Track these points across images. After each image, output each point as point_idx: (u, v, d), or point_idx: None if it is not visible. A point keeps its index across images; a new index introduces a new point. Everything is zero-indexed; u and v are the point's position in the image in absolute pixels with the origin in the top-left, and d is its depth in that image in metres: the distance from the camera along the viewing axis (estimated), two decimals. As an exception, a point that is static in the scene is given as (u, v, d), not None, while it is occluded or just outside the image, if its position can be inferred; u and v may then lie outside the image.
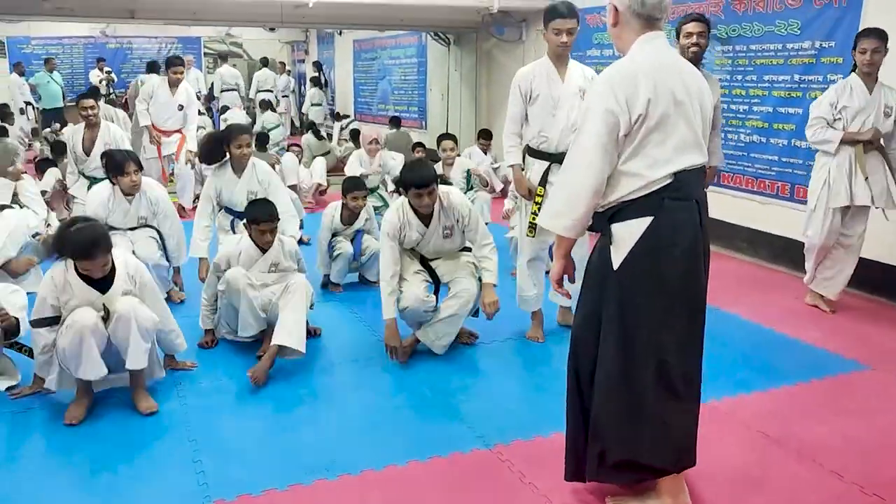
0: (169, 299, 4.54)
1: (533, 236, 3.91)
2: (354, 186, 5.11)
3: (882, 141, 4.38)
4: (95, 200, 4.43)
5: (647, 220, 2.18)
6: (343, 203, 5.08)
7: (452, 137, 6.55)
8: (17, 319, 3.31)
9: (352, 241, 5.08)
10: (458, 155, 6.54)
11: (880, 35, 4.25)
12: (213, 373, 3.71)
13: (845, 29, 5.02)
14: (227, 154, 4.55)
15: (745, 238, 6.03)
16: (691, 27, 4.02)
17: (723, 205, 6.04)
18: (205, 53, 15.64)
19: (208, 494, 2.65)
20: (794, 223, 5.30)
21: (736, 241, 6.10)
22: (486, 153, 7.93)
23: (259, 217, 3.84)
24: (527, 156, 3.93)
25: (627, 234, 2.21)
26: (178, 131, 7.21)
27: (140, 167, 4.44)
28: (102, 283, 3.18)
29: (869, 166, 4.36)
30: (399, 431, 3.14)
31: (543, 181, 3.81)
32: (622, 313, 2.25)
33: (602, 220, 2.28)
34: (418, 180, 3.68)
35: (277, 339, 3.57)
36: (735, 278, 5.44)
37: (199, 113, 8.57)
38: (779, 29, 5.56)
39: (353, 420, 3.24)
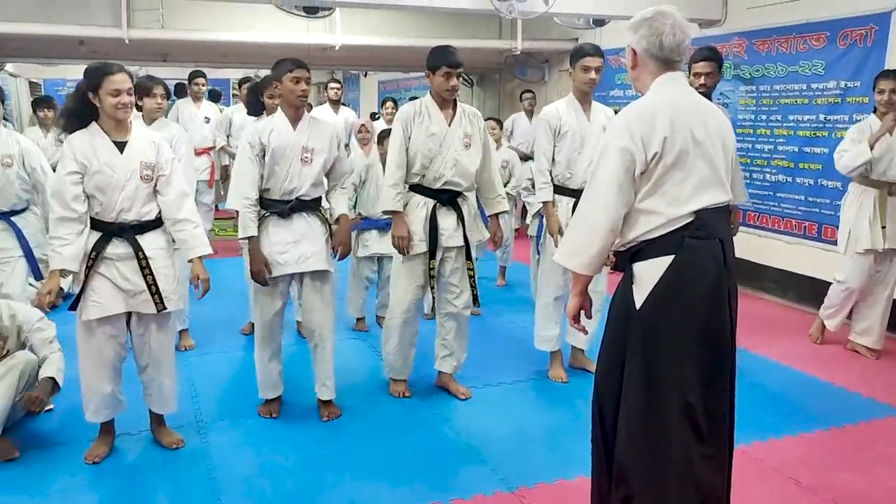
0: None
1: None
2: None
3: None
4: None
5: (669, 259, 2.14)
6: (381, 153, 4.94)
7: (497, 119, 6.44)
8: (46, 398, 3.20)
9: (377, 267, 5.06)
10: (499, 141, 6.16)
11: None
12: (234, 410, 3.70)
13: (870, 69, 4.99)
14: (265, 105, 4.51)
15: (773, 279, 5.94)
16: (700, 67, 4.03)
17: (750, 245, 5.97)
18: (233, 94, 15.99)
19: (227, 535, 2.63)
20: (822, 263, 5.22)
21: (763, 282, 6.01)
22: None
23: (289, 63, 3.38)
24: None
25: (649, 273, 2.18)
26: (208, 151, 7.23)
27: None
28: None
29: (892, 212, 4.35)
30: (420, 473, 3.10)
31: None
32: (645, 353, 2.21)
33: (623, 260, 2.27)
34: (450, 58, 3.51)
35: (323, 396, 3.64)
36: (763, 319, 5.34)
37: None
38: (803, 69, 5.55)
39: (374, 460, 3.20)
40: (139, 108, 4.46)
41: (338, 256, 3.61)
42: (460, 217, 3.70)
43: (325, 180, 3.57)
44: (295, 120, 3.45)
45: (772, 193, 5.92)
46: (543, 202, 3.91)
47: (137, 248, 3.00)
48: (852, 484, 3.01)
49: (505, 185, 6.06)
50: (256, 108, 4.71)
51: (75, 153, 2.92)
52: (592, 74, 3.77)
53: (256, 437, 3.42)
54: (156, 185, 3.05)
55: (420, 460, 3.21)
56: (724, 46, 6.15)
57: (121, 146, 2.98)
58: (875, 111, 4.41)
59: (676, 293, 2.16)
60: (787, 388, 4.04)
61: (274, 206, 3.45)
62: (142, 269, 3.01)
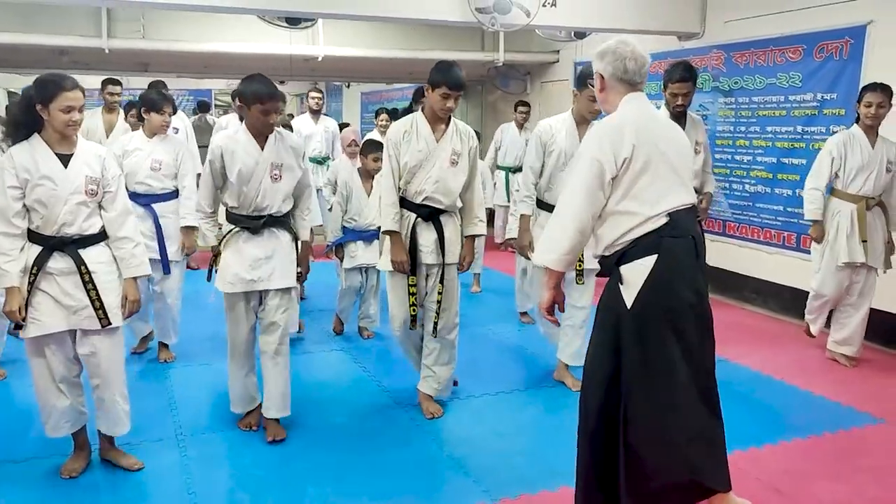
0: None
1: (582, 283, 3.99)
2: (376, 148, 4.89)
3: (882, 196, 4.44)
4: None
5: (652, 259, 2.36)
6: (362, 165, 4.99)
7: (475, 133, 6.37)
8: None
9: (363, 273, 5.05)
10: None
11: (885, 90, 4.31)
12: (215, 423, 3.66)
13: (846, 81, 5.08)
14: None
15: (754, 289, 5.99)
16: (677, 88, 4.09)
17: (730, 255, 6.03)
18: (216, 105, 15.94)
19: (206, 550, 2.59)
20: (802, 273, 5.28)
21: (744, 292, 6.06)
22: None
23: (261, 93, 3.18)
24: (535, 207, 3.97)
25: (635, 273, 2.37)
26: None
27: None
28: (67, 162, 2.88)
29: (869, 227, 4.40)
30: (403, 485, 3.08)
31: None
32: (643, 347, 2.37)
33: (610, 264, 2.47)
34: (452, 79, 3.42)
35: (269, 413, 3.50)
36: (744, 329, 5.38)
37: None
38: (780, 81, 5.63)
39: (356, 473, 3.18)
40: (141, 120, 4.40)
41: (299, 280, 3.54)
42: (441, 235, 3.64)
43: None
44: (261, 137, 3.33)
45: (751, 204, 5.98)
46: (521, 214, 3.92)
47: (80, 263, 2.90)
48: (832, 492, 3.03)
49: None
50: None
51: (15, 167, 2.82)
52: (596, 106, 3.72)
53: (237, 451, 3.39)
54: (101, 200, 2.97)
55: (403, 472, 3.19)
56: (703, 59, 6.23)
57: (65, 159, 2.88)
58: (857, 121, 4.44)
59: (663, 287, 2.37)
60: (768, 398, 4.07)
61: (244, 222, 3.38)
62: (84, 283, 2.90)
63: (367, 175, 4.98)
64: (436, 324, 3.70)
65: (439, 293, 3.68)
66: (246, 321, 3.48)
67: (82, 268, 2.91)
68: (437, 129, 3.58)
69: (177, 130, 7.30)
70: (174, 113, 4.53)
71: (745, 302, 6.05)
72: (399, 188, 3.61)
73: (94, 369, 3.04)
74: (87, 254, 2.94)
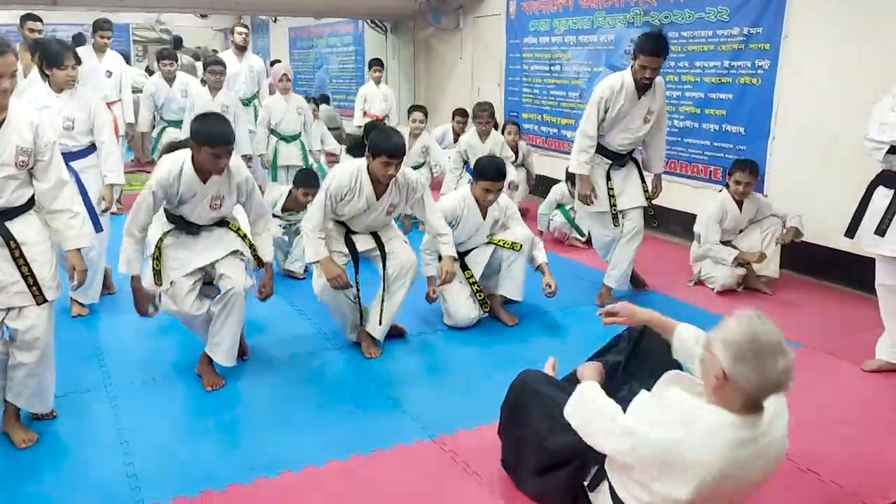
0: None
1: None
2: (307, 181, 4.91)
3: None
4: None
5: None
6: (290, 193, 4.98)
7: (422, 109, 6.40)
8: None
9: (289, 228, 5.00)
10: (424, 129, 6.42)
11: (753, 170, 4.70)
12: (147, 374, 3.58)
13: (771, 15, 5.15)
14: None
15: (680, 222, 6.14)
16: (647, 60, 4.03)
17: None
18: (134, 41, 15.14)
19: (141, 498, 2.56)
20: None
21: (671, 226, 6.21)
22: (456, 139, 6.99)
23: (214, 137, 3.05)
24: None
25: None
26: (110, 106, 6.81)
27: None
28: None
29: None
30: (341, 425, 3.10)
31: (464, 267, 4.22)
32: None
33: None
34: (392, 148, 3.51)
35: (214, 356, 3.41)
36: (670, 262, 5.53)
37: None
38: (709, 16, 5.67)
39: (294, 415, 3.18)
40: (45, 75, 4.02)
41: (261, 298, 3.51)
42: (377, 238, 3.85)
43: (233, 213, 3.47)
44: (207, 173, 3.18)
45: (679, 139, 6.09)
46: (446, 255, 3.94)
47: (8, 237, 2.69)
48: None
49: (421, 166, 6.36)
50: None
51: None
52: (491, 197, 4.07)
53: (170, 399, 3.34)
54: (31, 169, 2.75)
55: (341, 413, 3.21)
56: (635, -7, 6.20)
57: None
58: (728, 188, 4.80)
59: None
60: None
61: (178, 223, 3.33)
62: (15, 258, 2.70)
63: (297, 204, 4.98)
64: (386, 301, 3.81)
65: (390, 269, 3.80)
66: (190, 306, 3.32)
67: (11, 242, 2.70)
68: (379, 187, 3.65)
69: (110, 74, 6.87)
70: (79, 63, 4.19)
71: (671, 235, 6.22)
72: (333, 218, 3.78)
73: (29, 345, 2.81)
74: (15, 225, 2.73)
